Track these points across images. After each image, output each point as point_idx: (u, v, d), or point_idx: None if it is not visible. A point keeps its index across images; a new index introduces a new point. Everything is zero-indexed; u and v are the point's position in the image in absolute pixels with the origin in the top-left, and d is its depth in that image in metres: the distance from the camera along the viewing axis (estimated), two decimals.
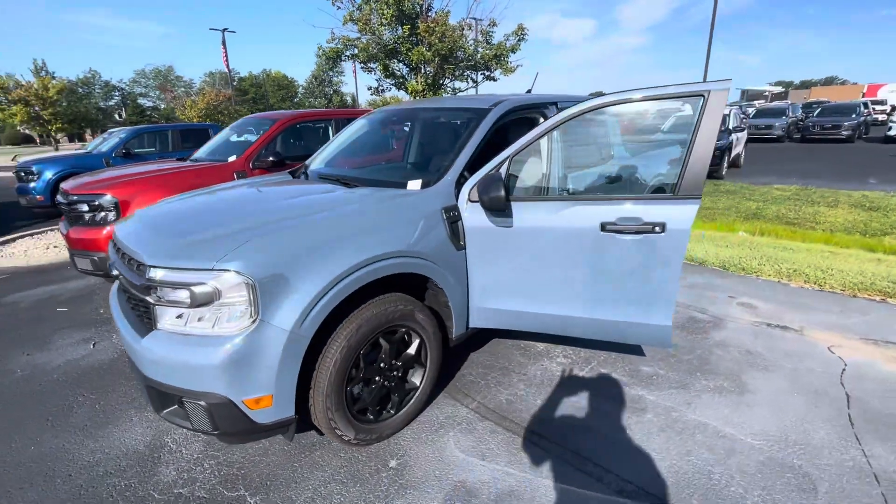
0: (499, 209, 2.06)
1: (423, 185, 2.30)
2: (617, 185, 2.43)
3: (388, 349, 2.06)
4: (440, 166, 2.38)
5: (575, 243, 2.11)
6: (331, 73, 49.42)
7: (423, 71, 10.66)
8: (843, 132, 17.52)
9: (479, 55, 10.87)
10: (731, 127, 10.82)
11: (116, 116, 41.31)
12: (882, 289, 3.70)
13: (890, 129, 16.78)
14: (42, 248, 5.65)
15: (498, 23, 11.66)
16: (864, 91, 38.01)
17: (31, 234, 6.40)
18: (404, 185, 2.33)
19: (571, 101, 2.77)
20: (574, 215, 2.11)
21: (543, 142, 2.21)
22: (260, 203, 2.26)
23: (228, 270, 1.64)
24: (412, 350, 2.17)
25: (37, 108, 24.82)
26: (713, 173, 10.22)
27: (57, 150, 23.12)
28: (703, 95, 1.88)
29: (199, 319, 1.69)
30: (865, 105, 20.68)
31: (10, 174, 7.55)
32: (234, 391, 1.67)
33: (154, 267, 1.72)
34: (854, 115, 18.06)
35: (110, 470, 2.02)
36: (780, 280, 4.09)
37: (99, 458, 2.10)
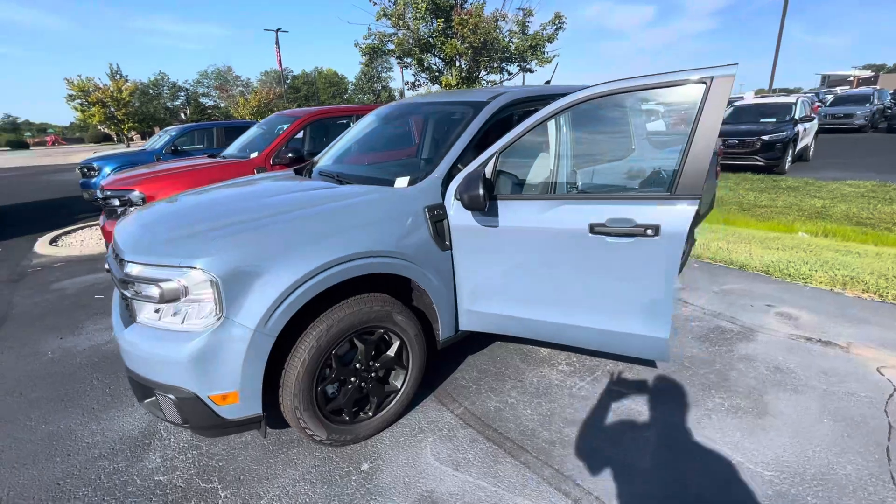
0: (478, 209, 1.95)
1: (411, 183, 2.23)
2: (610, 183, 2.23)
3: (365, 350, 2.02)
4: (429, 163, 2.29)
5: (562, 245, 1.96)
6: (379, 69, 50.13)
7: (457, 64, 10.52)
8: None
9: (513, 46, 10.55)
10: (797, 117, 9.84)
11: (182, 115, 44.38)
12: None
13: None
14: (96, 238, 6.14)
15: (535, 12, 11.25)
16: None
17: (90, 226, 6.99)
18: (392, 183, 2.27)
19: None
20: (561, 215, 1.95)
21: (531, 136, 2.06)
22: (243, 201, 2.29)
23: (194, 268, 1.65)
24: (392, 352, 2.12)
25: (112, 109, 27.25)
26: (773, 168, 9.36)
27: (129, 147, 25.21)
28: (705, 83, 1.66)
29: (174, 314, 1.72)
30: None
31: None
32: (201, 386, 1.69)
33: (131, 262, 1.77)
34: None
35: (104, 452, 2.13)
36: (833, 288, 3.65)
37: (97, 440, 2.22)
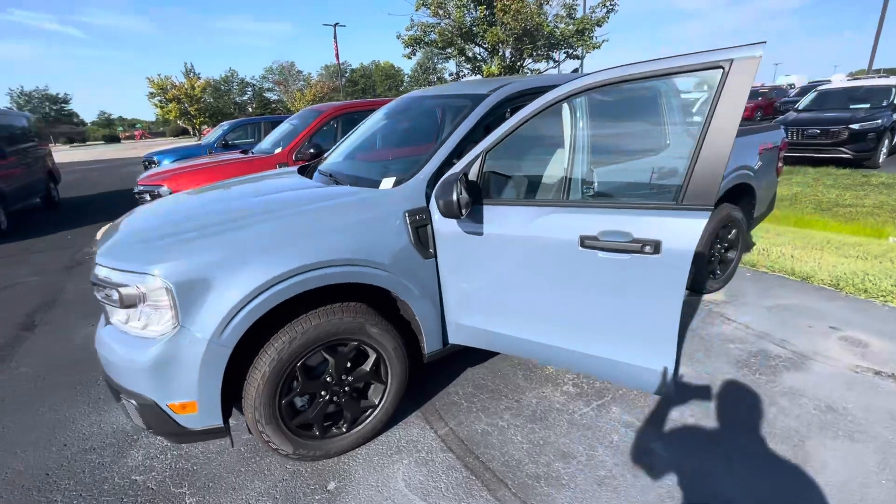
0: (452, 216, 1.74)
1: (396, 184, 2.07)
2: (608, 189, 1.92)
3: (336, 364, 1.90)
4: (416, 162, 2.12)
5: (550, 259, 1.72)
6: (435, 61, 50.16)
7: (499, 53, 10.10)
8: None
9: (558, 32, 9.92)
10: (895, 102, 8.50)
11: (249, 109, 47.05)
12: None
13: None
14: None
15: None
16: None
17: None
18: (377, 184, 2.12)
19: None
20: (550, 224, 1.70)
21: (521, 134, 1.81)
22: (223, 203, 2.24)
23: (150, 274, 1.61)
24: (367, 367, 1.99)
25: (185, 105, 29.51)
26: (863, 162, 8.17)
27: (199, 140, 27.16)
28: (721, 67, 1.34)
29: (138, 319, 1.70)
30: None
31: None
32: (159, 394, 1.66)
33: (99, 265, 1.77)
34: None
35: (95, 445, 2.19)
36: None
37: (93, 431, 2.29)
